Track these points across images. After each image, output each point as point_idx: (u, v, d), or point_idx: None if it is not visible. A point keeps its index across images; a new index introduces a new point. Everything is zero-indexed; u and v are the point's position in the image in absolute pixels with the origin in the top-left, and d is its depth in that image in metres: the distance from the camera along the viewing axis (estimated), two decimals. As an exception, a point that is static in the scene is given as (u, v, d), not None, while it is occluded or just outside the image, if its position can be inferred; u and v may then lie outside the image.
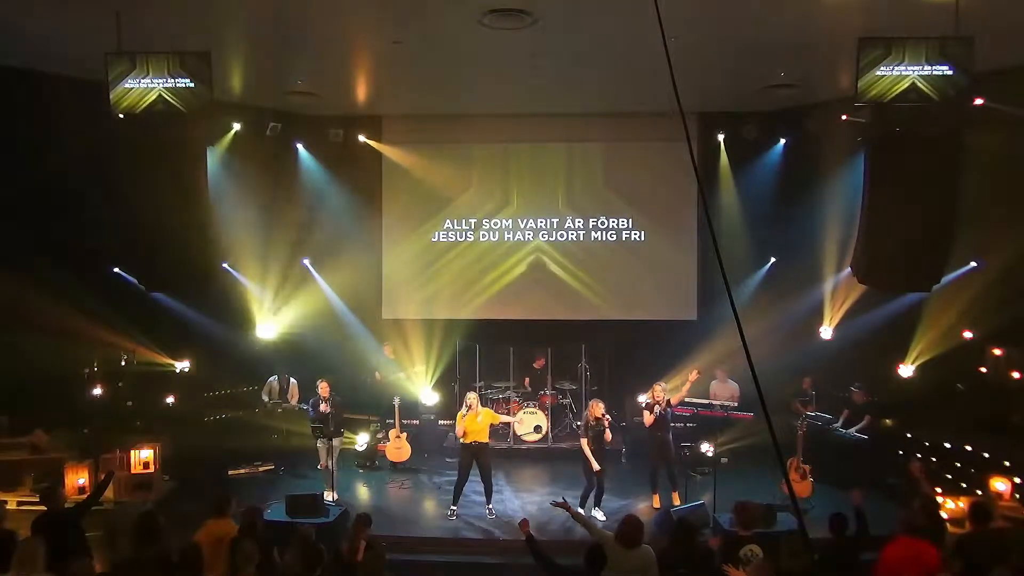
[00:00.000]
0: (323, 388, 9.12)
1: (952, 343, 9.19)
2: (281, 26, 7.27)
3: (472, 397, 8.53)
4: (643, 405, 8.93)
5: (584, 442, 8.25)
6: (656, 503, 8.86)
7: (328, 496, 8.71)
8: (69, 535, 5.44)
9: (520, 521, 5.65)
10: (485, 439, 8.49)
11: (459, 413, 8.53)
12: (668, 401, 8.70)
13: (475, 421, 8.38)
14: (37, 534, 5.07)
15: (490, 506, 8.57)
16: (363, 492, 9.43)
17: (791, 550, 4.84)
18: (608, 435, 8.23)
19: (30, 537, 4.94)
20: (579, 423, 9.20)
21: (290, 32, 7.44)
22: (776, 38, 7.50)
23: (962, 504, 7.82)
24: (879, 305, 9.62)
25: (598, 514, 8.34)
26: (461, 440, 8.49)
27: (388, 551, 5.65)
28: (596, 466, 8.15)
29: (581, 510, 8.11)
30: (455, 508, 8.55)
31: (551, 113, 11.03)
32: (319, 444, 9.07)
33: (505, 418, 9.29)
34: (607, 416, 8.27)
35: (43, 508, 5.84)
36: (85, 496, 8.05)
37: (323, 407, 9.04)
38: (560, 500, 6.01)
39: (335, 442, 9.07)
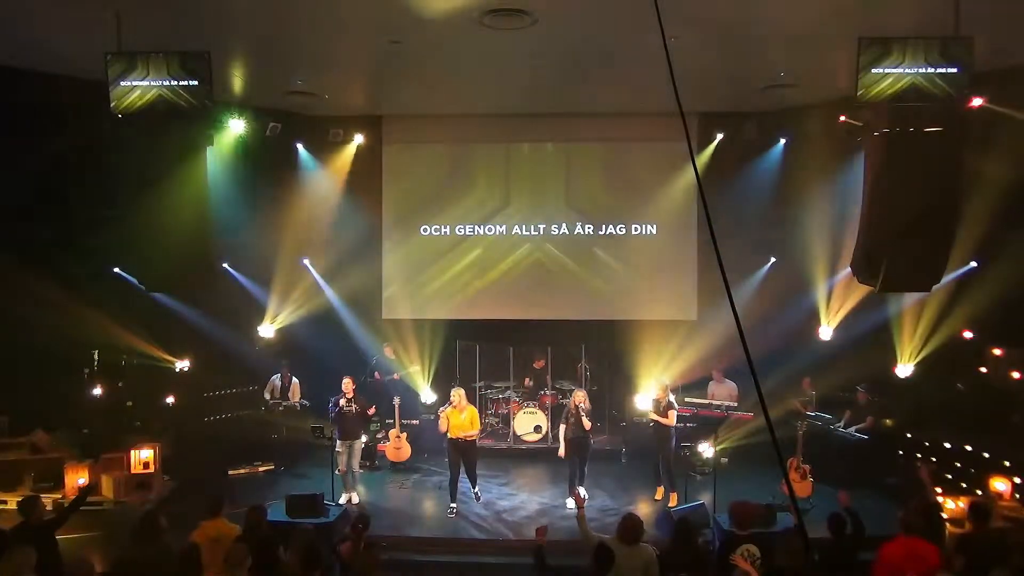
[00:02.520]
0: (348, 386, 9.02)
1: (952, 343, 9.19)
2: (281, 26, 7.26)
3: (456, 394, 8.68)
4: (662, 405, 8.95)
5: (562, 428, 8.85)
6: (659, 495, 9.00)
7: (344, 499, 8.78)
8: (43, 547, 5.37)
9: (537, 528, 5.51)
10: (470, 435, 8.60)
11: (443, 408, 8.76)
12: (670, 402, 8.92)
13: (458, 416, 8.56)
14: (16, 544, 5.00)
15: (476, 489, 8.96)
16: (363, 492, 9.43)
17: (788, 549, 4.85)
18: (586, 423, 8.60)
19: (20, 546, 4.91)
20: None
21: (290, 32, 7.44)
22: (776, 39, 7.50)
23: (962, 504, 7.83)
24: (879, 305, 9.63)
25: (580, 490, 8.56)
26: (448, 436, 8.62)
27: (388, 551, 5.65)
28: (562, 452, 8.85)
29: (569, 499, 8.58)
30: (454, 506, 8.67)
31: (551, 113, 11.02)
32: (339, 447, 8.86)
33: (471, 434, 8.68)
34: (584, 405, 8.65)
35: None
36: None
37: (352, 406, 8.92)
38: (581, 496, 6.36)
39: (356, 443, 9.04)
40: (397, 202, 11.85)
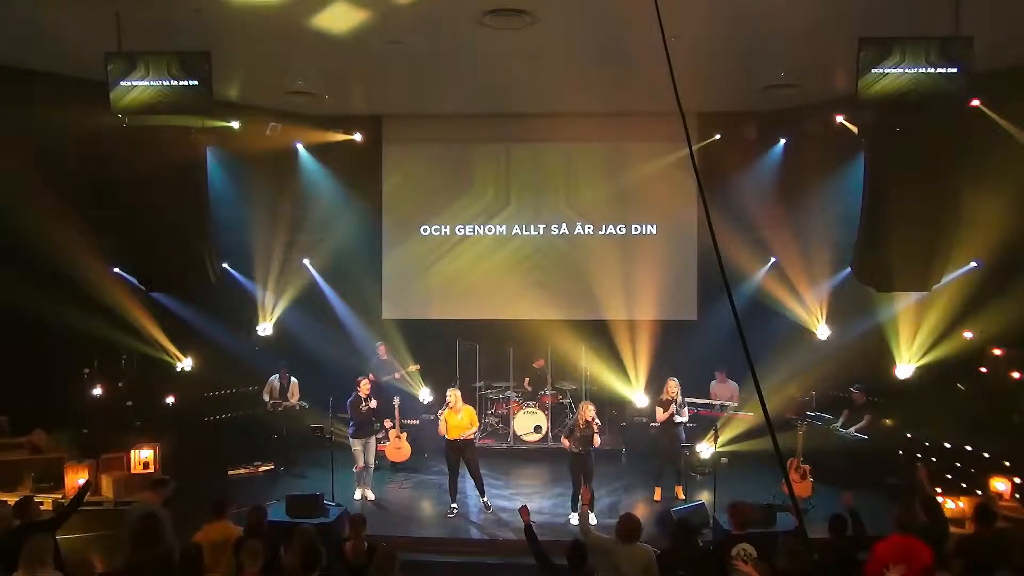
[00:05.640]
0: (364, 386, 9.11)
1: (952, 343, 9.19)
2: (281, 26, 7.26)
3: (452, 394, 8.64)
4: (660, 401, 8.97)
5: (566, 442, 8.39)
6: (658, 496, 8.94)
7: (359, 494, 8.97)
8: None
9: (520, 508, 5.74)
10: (467, 435, 8.54)
11: (440, 411, 8.71)
12: (684, 400, 8.92)
13: (455, 417, 8.51)
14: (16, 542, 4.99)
15: (484, 499, 8.68)
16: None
17: (789, 550, 4.85)
18: (597, 440, 8.16)
19: (38, 536, 4.91)
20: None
21: (290, 32, 7.43)
22: (776, 38, 7.50)
23: (962, 504, 7.84)
24: (878, 305, 9.62)
25: (591, 518, 8.28)
26: (446, 437, 8.59)
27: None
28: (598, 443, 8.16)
29: (574, 515, 8.24)
30: (455, 506, 8.66)
31: (551, 113, 11.01)
32: (356, 446, 8.98)
33: (468, 433, 8.58)
34: (596, 420, 8.14)
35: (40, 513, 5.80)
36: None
37: (371, 404, 9.04)
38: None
39: (371, 440, 9.17)
40: (397, 202, 11.85)
